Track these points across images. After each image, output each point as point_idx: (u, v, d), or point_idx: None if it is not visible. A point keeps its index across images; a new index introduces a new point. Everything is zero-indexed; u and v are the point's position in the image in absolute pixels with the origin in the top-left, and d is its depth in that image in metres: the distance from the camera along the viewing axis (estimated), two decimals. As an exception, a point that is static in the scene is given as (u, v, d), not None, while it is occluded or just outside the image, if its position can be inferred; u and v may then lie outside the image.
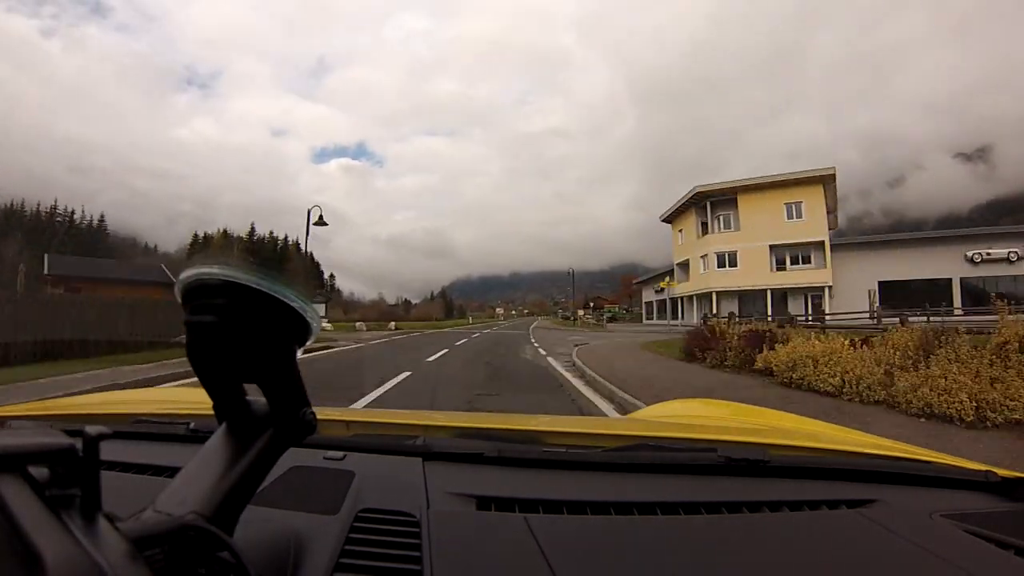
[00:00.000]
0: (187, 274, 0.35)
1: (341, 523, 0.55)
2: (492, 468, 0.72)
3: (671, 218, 38.61)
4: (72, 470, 0.29)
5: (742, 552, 0.54)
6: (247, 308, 0.34)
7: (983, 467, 0.73)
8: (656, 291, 45.15)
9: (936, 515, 0.61)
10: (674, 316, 39.71)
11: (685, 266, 36.70)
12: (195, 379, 0.38)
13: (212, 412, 0.40)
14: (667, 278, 42.60)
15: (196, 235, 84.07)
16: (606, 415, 4.86)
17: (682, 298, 36.92)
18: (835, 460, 0.77)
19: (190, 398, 1.22)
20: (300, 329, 0.36)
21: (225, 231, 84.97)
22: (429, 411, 1.45)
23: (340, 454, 0.72)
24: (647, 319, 47.86)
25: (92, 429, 0.30)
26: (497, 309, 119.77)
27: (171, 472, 0.59)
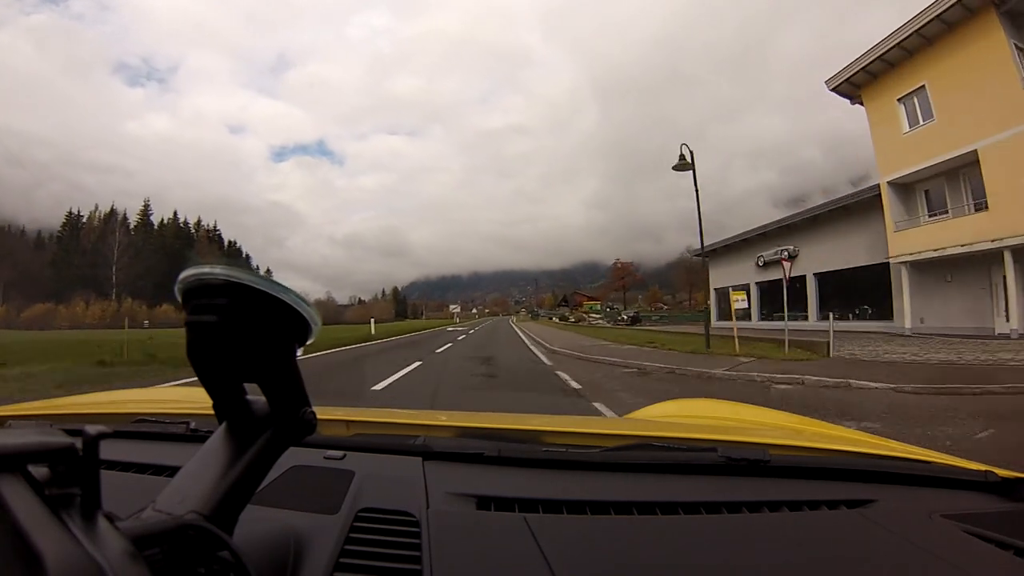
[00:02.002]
0: (187, 274, 0.34)
1: (341, 523, 0.55)
2: (492, 468, 0.71)
3: (865, 80, 16.85)
4: (72, 469, 0.29)
5: (742, 552, 0.54)
6: (248, 308, 0.33)
7: (983, 467, 0.72)
8: (761, 265, 23.41)
9: (936, 515, 0.60)
10: (838, 308, 17.77)
11: (911, 189, 15.42)
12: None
13: (212, 412, 0.39)
14: (788, 250, 20.98)
15: (70, 212, 71.68)
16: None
17: (907, 265, 15.30)
18: (835, 460, 0.76)
19: (190, 398, 1.24)
20: (300, 329, 0.35)
21: (112, 209, 72.45)
22: (429, 411, 1.40)
23: (340, 454, 0.72)
24: (721, 318, 24.88)
25: (92, 429, 0.30)
26: (451, 307, 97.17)
27: (171, 472, 0.58)
